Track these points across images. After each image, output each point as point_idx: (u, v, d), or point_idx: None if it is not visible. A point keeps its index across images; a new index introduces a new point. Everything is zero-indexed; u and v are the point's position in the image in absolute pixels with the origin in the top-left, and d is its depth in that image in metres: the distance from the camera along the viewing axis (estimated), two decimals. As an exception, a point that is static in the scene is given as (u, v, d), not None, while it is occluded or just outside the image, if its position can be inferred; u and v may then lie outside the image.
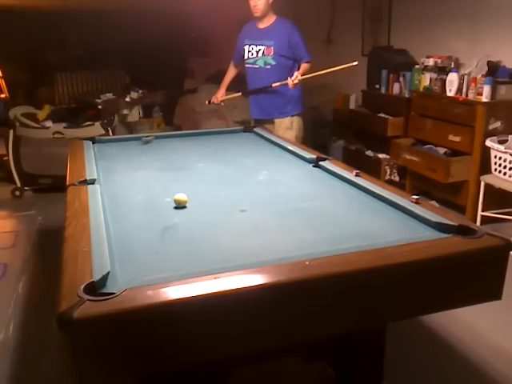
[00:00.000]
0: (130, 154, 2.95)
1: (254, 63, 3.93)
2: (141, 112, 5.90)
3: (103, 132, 4.77)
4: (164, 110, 6.80)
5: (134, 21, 8.05)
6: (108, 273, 1.32)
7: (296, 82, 3.68)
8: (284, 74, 3.81)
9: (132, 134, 5.30)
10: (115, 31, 8.24)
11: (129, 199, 2.08)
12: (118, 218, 1.84)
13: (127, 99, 5.60)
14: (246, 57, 3.98)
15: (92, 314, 1.14)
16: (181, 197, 1.93)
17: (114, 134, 4.97)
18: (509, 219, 3.61)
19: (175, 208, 1.93)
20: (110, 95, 5.56)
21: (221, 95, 4.18)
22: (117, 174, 2.47)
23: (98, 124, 4.88)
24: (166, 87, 7.75)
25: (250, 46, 3.94)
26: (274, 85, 3.80)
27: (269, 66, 3.87)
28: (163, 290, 1.24)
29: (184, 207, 1.93)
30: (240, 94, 4.06)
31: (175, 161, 2.77)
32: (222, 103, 4.25)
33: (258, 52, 3.89)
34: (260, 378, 2.13)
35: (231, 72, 4.24)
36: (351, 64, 3.85)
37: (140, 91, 5.87)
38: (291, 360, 1.86)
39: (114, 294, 1.21)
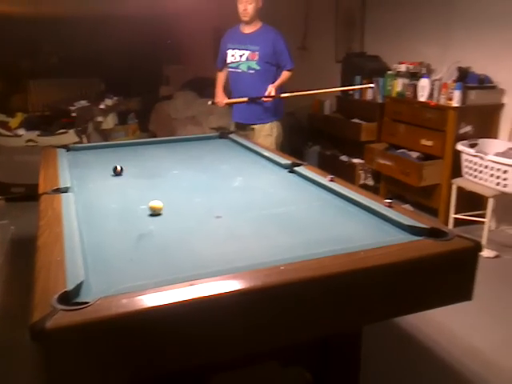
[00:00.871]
0: (105, 161, 2.92)
1: (237, 67, 3.95)
2: (116, 119, 5.87)
3: (77, 139, 4.73)
4: (139, 116, 6.76)
5: (108, 28, 8.00)
6: (82, 282, 1.31)
7: (269, 99, 3.77)
8: (267, 79, 3.86)
9: (107, 141, 5.26)
10: (89, 38, 8.18)
11: (103, 207, 2.06)
12: (93, 226, 1.83)
13: (102, 106, 5.57)
14: (228, 61, 3.99)
15: (65, 324, 1.13)
16: (156, 204, 1.93)
17: (88, 141, 4.93)
18: (480, 221, 3.69)
19: (150, 215, 1.92)
20: (84, 102, 5.53)
21: (223, 98, 4.12)
22: (91, 182, 2.45)
23: (72, 131, 4.83)
24: (142, 94, 7.72)
25: (233, 50, 3.95)
26: (264, 99, 3.82)
27: (252, 71, 3.89)
28: (138, 298, 1.23)
29: (159, 214, 1.92)
30: (246, 99, 3.94)
31: (150, 168, 2.76)
32: (227, 106, 4.22)
33: (241, 56, 3.91)
34: (238, 384, 2.13)
35: (221, 76, 4.21)
36: (368, 85, 4.27)
37: (115, 98, 5.85)
38: (268, 365, 1.87)
39: (87, 303, 1.20)
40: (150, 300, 1.22)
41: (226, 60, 4.02)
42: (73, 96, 7.46)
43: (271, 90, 3.77)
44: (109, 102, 5.71)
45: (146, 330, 1.21)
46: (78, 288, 1.28)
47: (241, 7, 3.80)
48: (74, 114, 5.15)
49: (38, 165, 2.78)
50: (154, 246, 1.66)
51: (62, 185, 2.26)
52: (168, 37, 9.00)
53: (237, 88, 4.00)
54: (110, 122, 5.68)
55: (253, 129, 3.98)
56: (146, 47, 8.57)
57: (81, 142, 4.70)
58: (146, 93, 7.73)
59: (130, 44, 8.27)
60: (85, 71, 8.37)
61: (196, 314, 1.25)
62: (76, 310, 1.18)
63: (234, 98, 4.04)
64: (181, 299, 1.23)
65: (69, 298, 1.23)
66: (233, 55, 3.95)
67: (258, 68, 3.87)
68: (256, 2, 3.78)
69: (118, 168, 2.56)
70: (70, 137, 4.72)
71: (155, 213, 1.92)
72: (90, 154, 3.15)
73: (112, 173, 2.55)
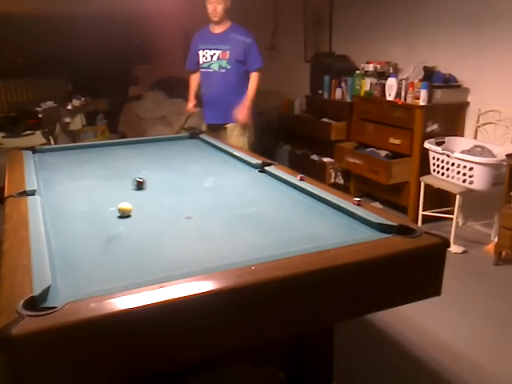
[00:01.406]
0: (73, 163, 2.88)
1: (209, 67, 3.97)
2: (84, 120, 5.78)
3: (44, 141, 4.64)
4: (108, 117, 6.68)
5: (76, 27, 7.87)
6: (49, 286, 1.28)
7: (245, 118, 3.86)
8: (238, 78, 3.89)
9: (75, 142, 5.18)
10: (57, 38, 8.03)
11: (71, 210, 2.02)
12: (60, 229, 1.79)
13: (69, 107, 5.48)
14: (200, 61, 4.00)
15: (32, 330, 1.10)
16: (125, 206, 1.90)
17: (55, 142, 4.84)
18: (448, 217, 3.76)
19: (119, 217, 1.89)
20: (51, 103, 5.43)
21: (194, 103, 4.17)
22: (58, 185, 2.41)
23: (38, 133, 4.75)
24: (110, 94, 7.62)
25: (204, 50, 3.97)
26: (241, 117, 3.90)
27: (223, 70, 3.91)
28: (107, 301, 1.21)
29: (128, 216, 1.90)
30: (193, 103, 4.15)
31: (119, 169, 2.72)
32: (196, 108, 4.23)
33: (212, 56, 3.93)
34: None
35: (194, 79, 4.20)
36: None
37: (83, 99, 5.76)
38: (242, 367, 1.86)
39: (55, 308, 1.18)
40: (120, 303, 1.21)
41: (198, 61, 4.01)
42: (39, 96, 7.34)
43: (244, 114, 3.85)
44: (76, 102, 5.62)
45: (116, 334, 1.20)
46: (45, 293, 1.25)
47: (210, 7, 3.82)
48: (40, 115, 5.05)
49: (3, 167, 2.72)
50: (123, 249, 1.63)
51: (28, 188, 2.20)
52: (137, 37, 8.90)
53: (209, 88, 4.01)
54: (77, 122, 5.59)
55: (225, 128, 3.98)
56: (114, 47, 8.46)
57: (48, 144, 4.61)
58: (115, 93, 7.64)
59: (98, 44, 8.15)
60: (52, 71, 8.22)
61: (167, 316, 1.24)
62: (43, 315, 1.15)
63: (206, 97, 4.06)
64: (150, 302, 1.22)
65: (35, 304, 1.20)
66: (204, 55, 3.96)
67: (228, 67, 3.88)
68: (225, 2, 3.81)
69: (139, 180, 2.24)
70: (37, 138, 4.63)
71: (124, 215, 1.89)
72: (57, 155, 3.09)
73: (133, 187, 2.24)
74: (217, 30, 3.94)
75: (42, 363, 1.14)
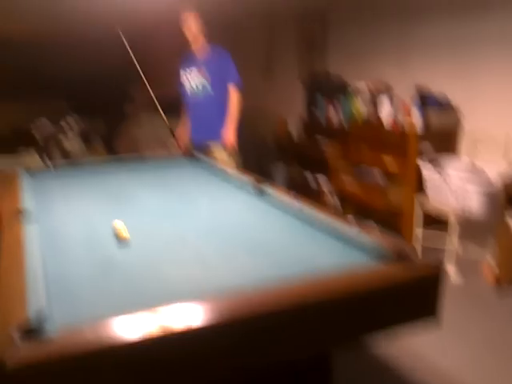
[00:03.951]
0: (69, 184, 2.87)
1: (192, 89, 4.04)
2: (79, 140, 5.79)
3: (39, 161, 4.64)
4: (104, 137, 6.69)
5: (72, 51, 7.91)
6: (44, 313, 1.27)
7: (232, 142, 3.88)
8: (220, 96, 3.92)
9: (71, 163, 5.17)
10: (53, 61, 8.06)
11: (67, 234, 2.01)
12: (56, 254, 1.78)
13: (65, 127, 5.48)
14: (185, 84, 4.08)
15: (27, 359, 1.09)
16: (121, 230, 1.90)
17: (51, 163, 4.84)
18: (442, 235, 3.76)
19: (116, 242, 1.88)
20: (46, 122, 5.43)
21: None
22: (54, 208, 2.40)
23: (33, 153, 4.74)
24: (106, 114, 7.64)
25: (187, 73, 4.06)
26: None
27: (205, 91, 3.96)
28: (103, 328, 1.20)
29: (125, 240, 1.89)
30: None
31: (116, 191, 2.72)
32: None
33: (194, 78, 4.00)
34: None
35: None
36: None
37: (78, 118, 5.78)
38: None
39: (50, 335, 1.17)
40: (116, 331, 1.19)
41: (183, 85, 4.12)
42: (34, 117, 7.34)
43: (230, 138, 3.88)
44: (72, 122, 5.63)
45: (112, 363, 1.18)
46: (40, 320, 1.23)
47: (190, 35, 3.93)
48: (35, 135, 5.06)
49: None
50: (120, 274, 1.62)
51: (23, 209, 2.19)
52: (134, 55, 8.93)
53: (193, 109, 4.12)
54: (73, 143, 5.60)
55: (211, 149, 3.98)
56: (109, 67, 8.49)
57: (43, 164, 4.60)
58: (111, 113, 7.66)
59: (94, 64, 8.19)
60: (48, 93, 8.22)
61: (165, 344, 1.22)
62: (38, 343, 1.13)
63: (191, 118, 4.15)
64: (148, 329, 1.20)
65: (30, 331, 1.18)
66: (187, 78, 4.06)
67: (209, 87, 3.95)
68: (200, 27, 3.91)
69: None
70: (32, 158, 4.62)
71: (121, 239, 1.89)
72: (52, 177, 3.09)
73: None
74: (198, 52, 4.02)
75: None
